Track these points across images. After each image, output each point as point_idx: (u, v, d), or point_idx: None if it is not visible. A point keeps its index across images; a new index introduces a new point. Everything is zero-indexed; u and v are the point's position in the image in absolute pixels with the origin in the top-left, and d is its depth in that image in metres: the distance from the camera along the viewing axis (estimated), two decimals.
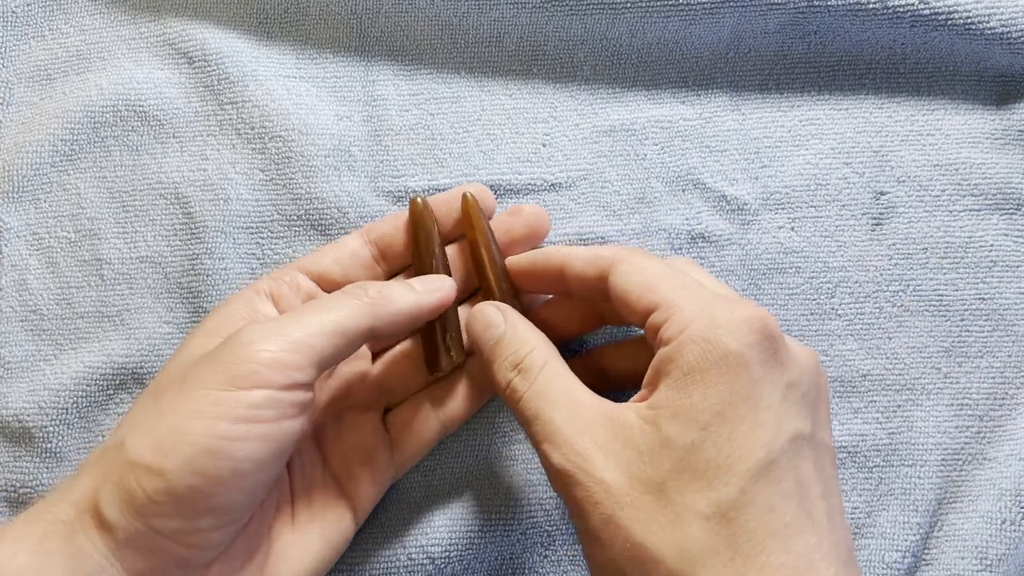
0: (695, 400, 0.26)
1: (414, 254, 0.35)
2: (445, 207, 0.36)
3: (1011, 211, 0.38)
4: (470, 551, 0.35)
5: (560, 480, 0.27)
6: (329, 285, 0.34)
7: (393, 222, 0.35)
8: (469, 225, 0.35)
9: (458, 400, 0.35)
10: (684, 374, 0.26)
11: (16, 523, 0.27)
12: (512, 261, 0.35)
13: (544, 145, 0.39)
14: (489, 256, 0.34)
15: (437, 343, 0.34)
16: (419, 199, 0.35)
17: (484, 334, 0.31)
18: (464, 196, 0.35)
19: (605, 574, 0.26)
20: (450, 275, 0.35)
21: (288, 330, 0.28)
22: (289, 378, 0.27)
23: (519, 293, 0.35)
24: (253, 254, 0.38)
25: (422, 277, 0.33)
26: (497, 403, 0.37)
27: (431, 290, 0.32)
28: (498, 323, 0.31)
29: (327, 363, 0.29)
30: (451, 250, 0.36)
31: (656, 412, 0.26)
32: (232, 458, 0.26)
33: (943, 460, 0.36)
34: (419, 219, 0.35)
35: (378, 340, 0.32)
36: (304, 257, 0.35)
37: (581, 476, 0.26)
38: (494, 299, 0.34)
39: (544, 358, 0.29)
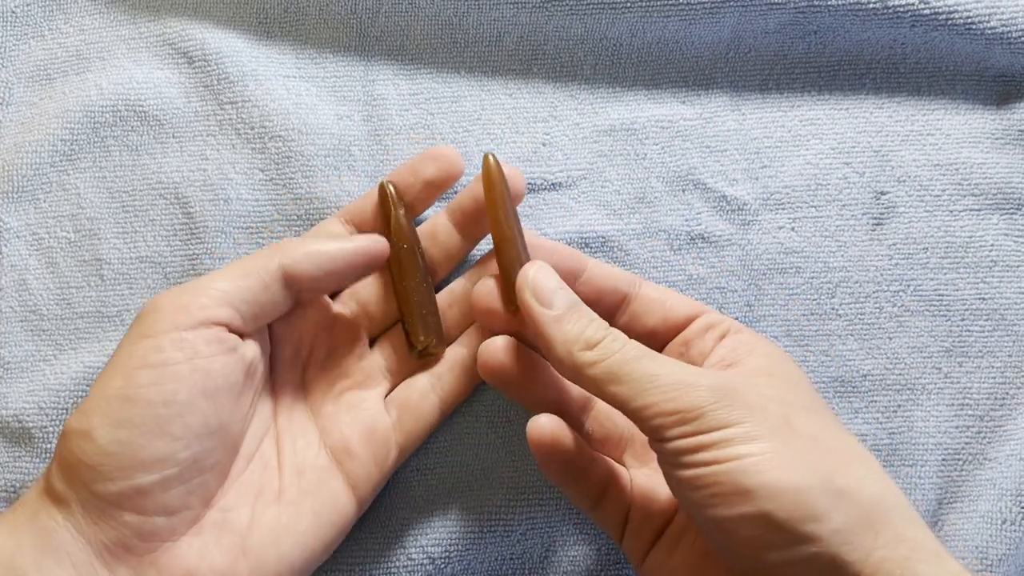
0: (791, 369, 0.31)
1: (386, 234, 0.35)
2: (411, 177, 0.35)
3: (1011, 211, 0.38)
4: (470, 551, 0.35)
5: (714, 396, 0.27)
6: None
7: (366, 199, 0.36)
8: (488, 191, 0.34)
9: (455, 377, 0.35)
10: (770, 354, 0.32)
11: None
12: (537, 242, 0.34)
13: (544, 144, 0.39)
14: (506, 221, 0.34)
15: (408, 322, 0.34)
16: (387, 184, 0.35)
17: (557, 292, 0.31)
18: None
19: (788, 466, 0.25)
20: (423, 260, 0.35)
21: (192, 283, 0.29)
22: (194, 318, 0.28)
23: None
24: None
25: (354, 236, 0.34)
26: (498, 404, 0.37)
27: (355, 239, 0.32)
28: (569, 289, 0.31)
29: (242, 304, 0.30)
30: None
31: (763, 369, 0.30)
32: (149, 402, 0.27)
33: (943, 460, 0.36)
34: (384, 204, 0.35)
35: (310, 286, 0.32)
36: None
37: (740, 390, 0.27)
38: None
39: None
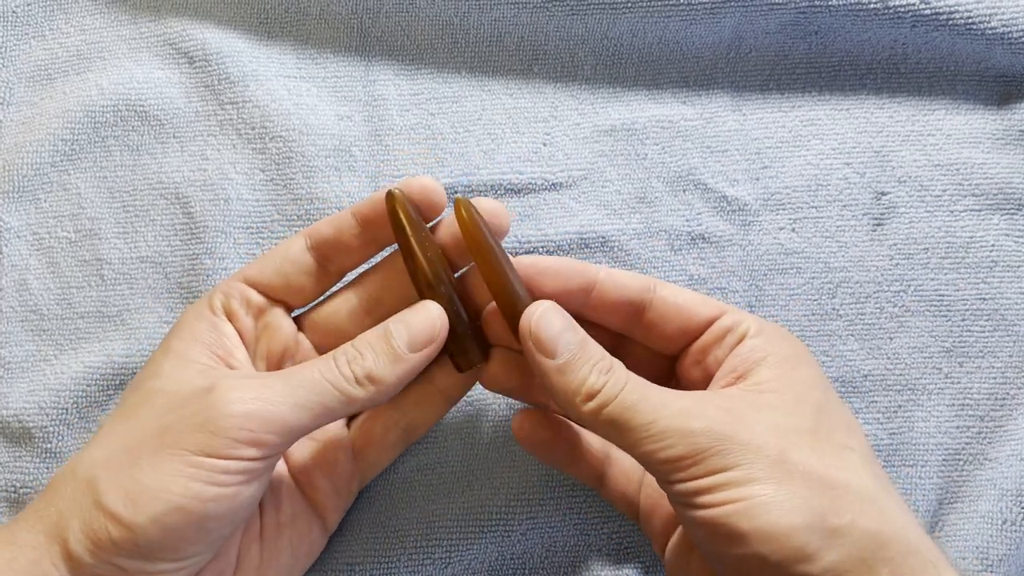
0: (803, 374, 0.30)
1: (405, 253, 0.31)
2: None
3: (1012, 211, 0.38)
4: (470, 551, 0.35)
5: (707, 441, 0.27)
6: (277, 296, 0.33)
7: (334, 224, 0.32)
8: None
9: (421, 408, 0.34)
10: (784, 359, 0.30)
11: None
12: (536, 261, 0.32)
13: (545, 144, 0.39)
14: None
15: (456, 344, 0.32)
16: (395, 189, 0.31)
17: (561, 338, 0.29)
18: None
19: (779, 510, 0.26)
20: (450, 275, 0.32)
21: (270, 407, 0.28)
22: (264, 453, 0.28)
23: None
24: (253, 254, 0.38)
25: (409, 323, 0.30)
26: (499, 403, 0.37)
27: (421, 345, 0.30)
28: (576, 327, 0.30)
29: (303, 435, 0.29)
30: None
31: (770, 383, 0.29)
32: (202, 516, 0.27)
33: (944, 460, 0.36)
34: (402, 211, 0.31)
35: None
36: (249, 266, 0.33)
37: (733, 428, 0.27)
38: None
39: (624, 367, 0.29)
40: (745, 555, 0.26)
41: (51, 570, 0.27)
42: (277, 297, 0.33)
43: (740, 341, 0.31)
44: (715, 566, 0.28)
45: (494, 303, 0.32)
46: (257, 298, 0.33)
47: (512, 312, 0.30)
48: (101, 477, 0.27)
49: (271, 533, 0.32)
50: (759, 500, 0.26)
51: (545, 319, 0.29)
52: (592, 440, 0.34)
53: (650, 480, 0.33)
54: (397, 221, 0.31)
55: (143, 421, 0.28)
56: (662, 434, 0.27)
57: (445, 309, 0.31)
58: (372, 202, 0.32)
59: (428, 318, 0.30)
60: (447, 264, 0.32)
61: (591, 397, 0.28)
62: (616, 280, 0.32)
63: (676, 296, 0.32)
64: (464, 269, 0.34)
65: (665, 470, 0.27)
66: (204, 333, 0.31)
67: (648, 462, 0.28)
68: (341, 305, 0.34)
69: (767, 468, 0.26)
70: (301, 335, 0.34)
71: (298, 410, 0.28)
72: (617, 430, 0.28)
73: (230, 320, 0.32)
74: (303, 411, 0.28)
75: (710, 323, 0.32)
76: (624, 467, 0.33)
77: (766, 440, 0.27)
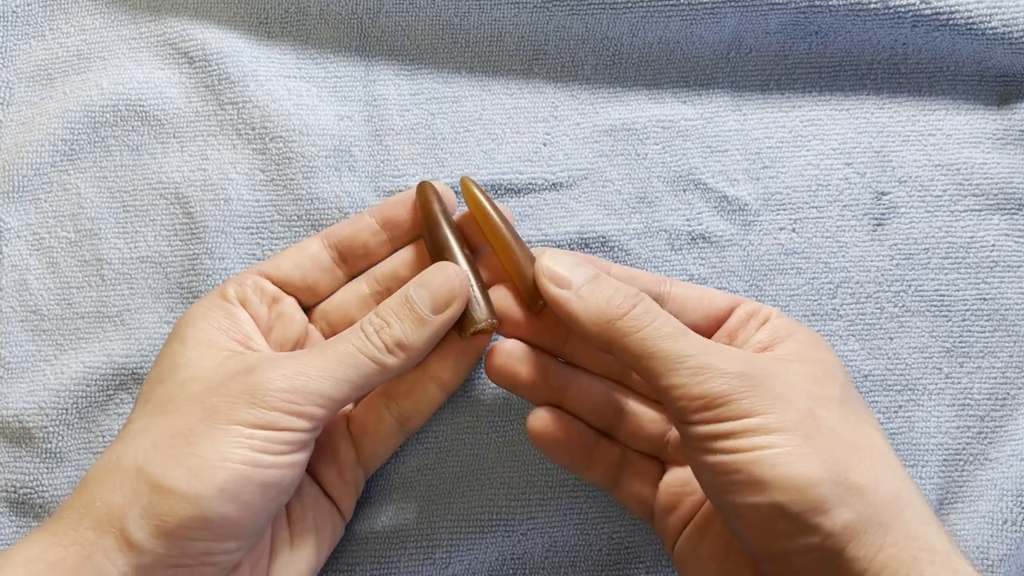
0: (827, 355, 0.31)
1: (430, 229, 0.34)
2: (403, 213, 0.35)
3: (1012, 211, 0.38)
4: (471, 551, 0.35)
5: (742, 384, 0.27)
6: (291, 290, 0.34)
7: (352, 226, 0.35)
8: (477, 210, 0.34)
9: (414, 396, 0.34)
10: (807, 339, 0.31)
11: (24, 545, 0.27)
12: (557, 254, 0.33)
13: (545, 144, 0.39)
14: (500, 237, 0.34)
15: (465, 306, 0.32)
16: (428, 182, 0.34)
17: (576, 269, 0.31)
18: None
19: (801, 461, 0.26)
20: (468, 255, 0.34)
21: (313, 382, 0.29)
22: (310, 425, 0.28)
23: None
24: (253, 254, 0.38)
25: (427, 284, 0.31)
26: (498, 403, 0.37)
27: (444, 305, 0.31)
28: (593, 260, 0.32)
29: (345, 405, 0.30)
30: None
31: (798, 354, 0.30)
32: (264, 484, 0.27)
33: (944, 460, 0.36)
34: (434, 198, 0.34)
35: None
36: (262, 262, 0.35)
37: (768, 380, 0.27)
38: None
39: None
40: (760, 504, 0.26)
41: (105, 564, 0.26)
42: (290, 292, 0.34)
43: (764, 322, 0.32)
44: (728, 518, 0.28)
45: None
46: (271, 288, 0.34)
47: (522, 268, 0.33)
48: (155, 462, 0.27)
49: (298, 515, 0.32)
50: (785, 450, 0.26)
51: (556, 256, 0.31)
52: (607, 446, 0.33)
53: (672, 479, 0.33)
54: (427, 205, 0.34)
55: (184, 407, 0.28)
56: (695, 369, 0.27)
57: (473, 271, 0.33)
58: (392, 203, 0.35)
59: (446, 277, 0.31)
60: (467, 245, 0.34)
61: (620, 316, 0.29)
62: (628, 273, 0.33)
63: (694, 290, 0.34)
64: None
65: (690, 407, 0.27)
66: (220, 320, 0.32)
67: (675, 396, 0.27)
68: (352, 295, 0.35)
69: (796, 419, 0.27)
70: (311, 326, 0.34)
71: (338, 383, 0.29)
72: (647, 356, 0.28)
73: (244, 307, 0.33)
74: (343, 384, 0.29)
75: (731, 310, 0.33)
76: (639, 468, 0.33)
77: (797, 396, 0.27)
